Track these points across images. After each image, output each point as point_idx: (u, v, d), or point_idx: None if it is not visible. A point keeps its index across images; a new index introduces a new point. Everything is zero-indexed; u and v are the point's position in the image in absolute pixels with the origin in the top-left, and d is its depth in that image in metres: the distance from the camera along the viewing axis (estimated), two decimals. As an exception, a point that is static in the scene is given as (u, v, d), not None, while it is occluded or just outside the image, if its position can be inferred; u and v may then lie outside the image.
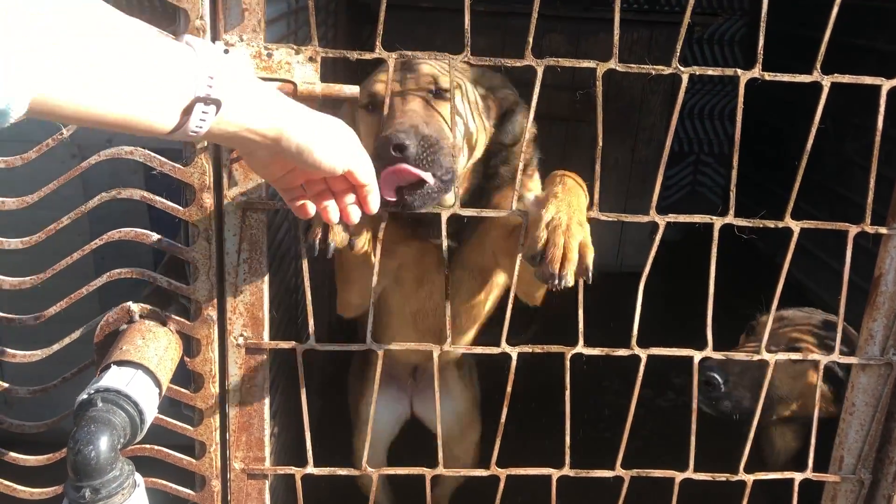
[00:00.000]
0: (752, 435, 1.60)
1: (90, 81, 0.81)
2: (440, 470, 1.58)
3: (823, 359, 1.59)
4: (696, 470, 1.61)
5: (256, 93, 1.02)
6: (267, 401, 1.51)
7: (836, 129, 5.40)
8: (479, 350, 1.63)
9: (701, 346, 1.55)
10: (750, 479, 1.62)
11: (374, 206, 1.22)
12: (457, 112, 1.60)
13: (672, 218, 1.47)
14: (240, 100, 0.97)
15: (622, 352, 1.54)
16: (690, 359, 1.56)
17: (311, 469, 1.54)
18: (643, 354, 1.53)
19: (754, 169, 6.64)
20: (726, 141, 7.04)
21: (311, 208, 1.20)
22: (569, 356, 1.52)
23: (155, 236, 1.39)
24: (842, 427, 1.64)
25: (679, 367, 1.51)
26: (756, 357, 1.57)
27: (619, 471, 1.61)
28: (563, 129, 5.33)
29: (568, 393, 1.52)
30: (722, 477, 1.63)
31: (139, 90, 0.87)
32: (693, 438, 1.59)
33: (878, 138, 1.43)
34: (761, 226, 1.50)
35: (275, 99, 1.05)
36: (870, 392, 1.60)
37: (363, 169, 1.17)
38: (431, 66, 1.65)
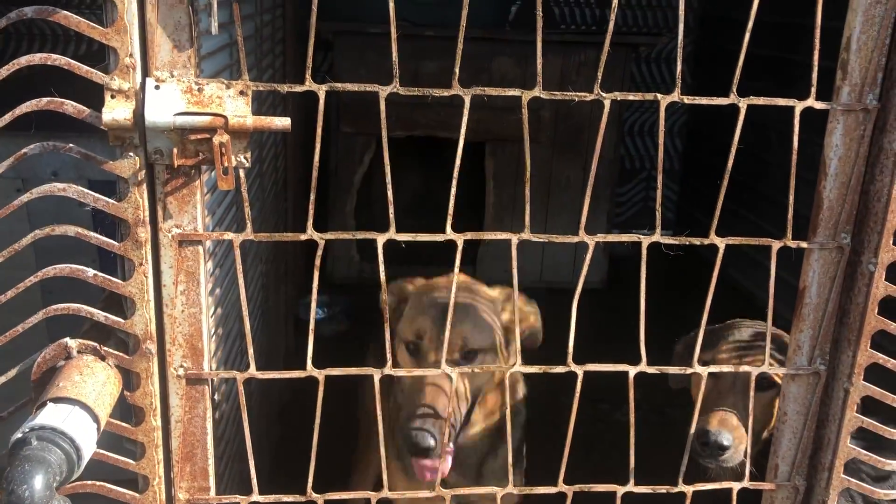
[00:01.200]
0: (688, 447, 1.64)
1: None
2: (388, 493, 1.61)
3: (754, 371, 1.63)
4: (638, 483, 1.65)
5: None
6: (210, 430, 1.52)
7: (780, 142, 5.56)
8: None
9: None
10: (689, 490, 1.66)
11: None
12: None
13: (600, 238, 1.51)
14: None
15: (559, 369, 1.58)
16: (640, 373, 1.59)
17: (255, 497, 1.55)
18: (580, 371, 1.57)
19: (707, 183, 6.80)
20: (676, 157, 7.20)
21: None
22: (507, 374, 1.55)
23: (91, 272, 1.40)
24: (776, 436, 1.69)
25: (637, 382, 1.56)
26: (688, 370, 1.61)
27: (561, 486, 1.64)
28: (514, 149, 5.40)
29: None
30: (662, 489, 1.67)
31: None
32: (632, 452, 1.62)
33: (794, 158, 1.49)
34: (687, 243, 1.55)
35: None
36: (800, 401, 1.65)
37: None
38: (461, 332, 1.96)
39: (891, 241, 1.52)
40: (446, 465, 1.93)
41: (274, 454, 3.63)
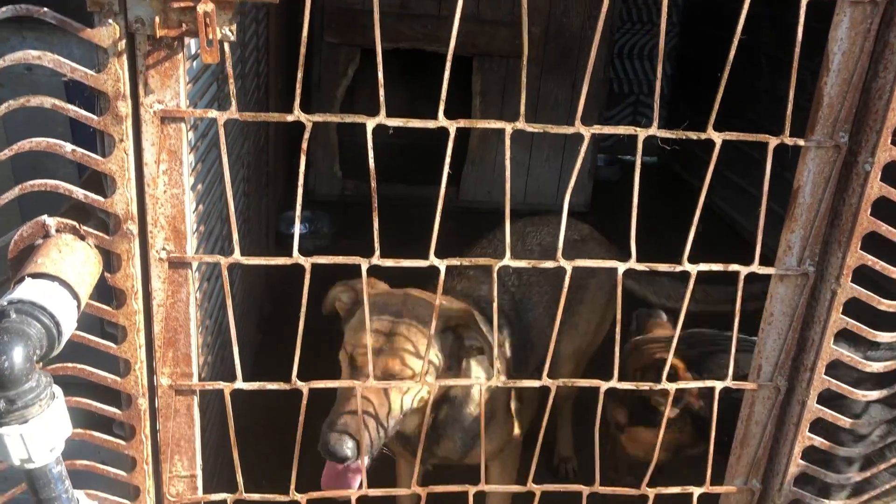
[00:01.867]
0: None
1: None
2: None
3: (744, 269, 1.62)
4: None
5: None
6: (193, 315, 1.49)
7: (770, 68, 5.49)
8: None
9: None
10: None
11: None
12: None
13: (597, 130, 1.47)
14: None
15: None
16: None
17: (239, 384, 1.54)
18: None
19: (695, 108, 6.75)
20: (666, 82, 7.11)
21: None
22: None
23: (68, 147, 1.34)
24: (760, 337, 1.69)
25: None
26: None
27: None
28: (502, 65, 5.30)
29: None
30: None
31: None
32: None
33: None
34: (684, 137, 1.51)
35: None
36: (787, 302, 1.65)
37: None
38: (399, 357, 1.97)
39: (889, 141, 1.50)
40: (354, 481, 1.99)
41: (255, 360, 3.64)
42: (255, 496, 1.63)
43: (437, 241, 1.48)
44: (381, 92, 1.39)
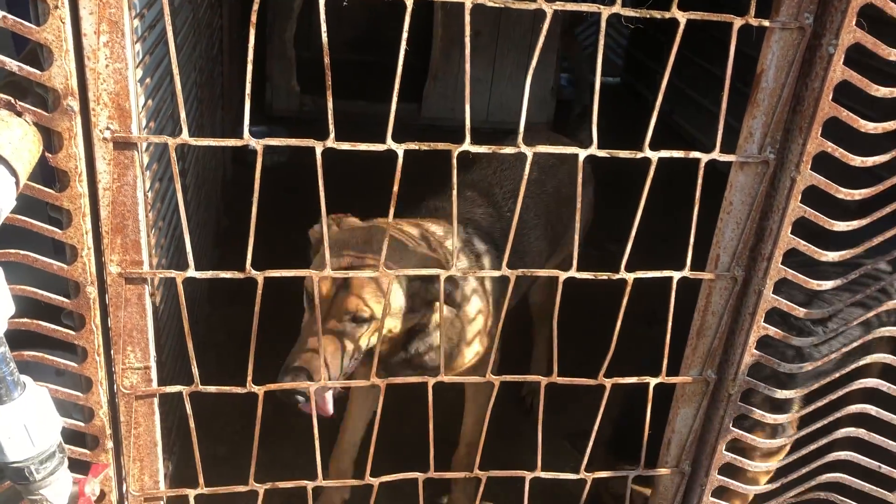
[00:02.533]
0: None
1: None
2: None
3: (704, 157, 1.61)
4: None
5: None
6: (142, 200, 1.44)
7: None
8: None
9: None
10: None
11: None
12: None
13: (559, 6, 1.43)
14: None
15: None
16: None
17: (191, 272, 1.50)
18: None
19: (654, 61, 6.68)
20: (628, 1, 7.00)
21: None
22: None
23: (-1, 14, 1.26)
24: (719, 227, 1.69)
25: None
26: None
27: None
28: None
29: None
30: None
31: None
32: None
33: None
34: (648, 16, 1.47)
35: None
36: (746, 190, 1.65)
37: None
38: (357, 296, 1.89)
39: (853, 22, 1.47)
40: (326, 405, 1.96)
41: (216, 242, 3.59)
42: (212, 388, 1.61)
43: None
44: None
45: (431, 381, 1.72)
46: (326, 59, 1.38)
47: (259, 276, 1.51)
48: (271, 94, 5.37)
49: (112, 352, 1.55)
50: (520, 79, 5.71)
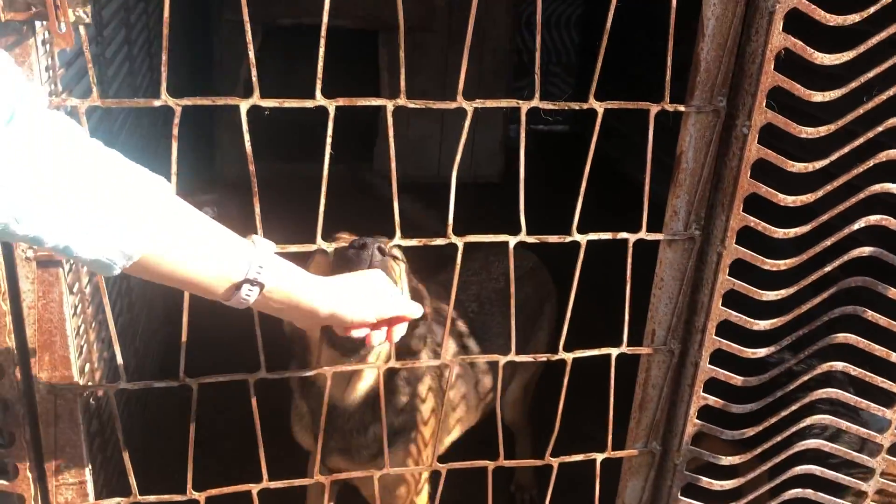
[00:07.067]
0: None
1: (179, 251, 1.13)
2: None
3: (632, 237, 1.64)
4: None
5: (294, 279, 1.29)
6: (69, 316, 1.42)
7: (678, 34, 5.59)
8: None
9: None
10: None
11: (397, 336, 1.49)
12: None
13: (478, 104, 1.46)
14: (280, 285, 1.25)
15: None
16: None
17: (123, 384, 1.48)
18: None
19: (604, 76, 6.83)
20: (574, 50, 7.17)
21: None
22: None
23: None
24: (653, 302, 1.72)
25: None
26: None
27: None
28: (409, 38, 5.23)
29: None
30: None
31: (210, 263, 1.18)
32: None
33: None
34: (567, 108, 1.51)
35: (308, 281, 1.31)
36: (676, 266, 1.68)
37: (389, 312, 1.43)
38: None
39: (764, 104, 1.52)
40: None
41: (166, 351, 3.54)
42: (151, 498, 1.58)
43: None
44: (254, 72, 1.35)
45: (377, 474, 1.70)
46: (252, 167, 1.39)
47: (193, 384, 1.50)
48: (221, 161, 5.36)
49: (45, 468, 1.52)
50: (469, 133, 5.77)
